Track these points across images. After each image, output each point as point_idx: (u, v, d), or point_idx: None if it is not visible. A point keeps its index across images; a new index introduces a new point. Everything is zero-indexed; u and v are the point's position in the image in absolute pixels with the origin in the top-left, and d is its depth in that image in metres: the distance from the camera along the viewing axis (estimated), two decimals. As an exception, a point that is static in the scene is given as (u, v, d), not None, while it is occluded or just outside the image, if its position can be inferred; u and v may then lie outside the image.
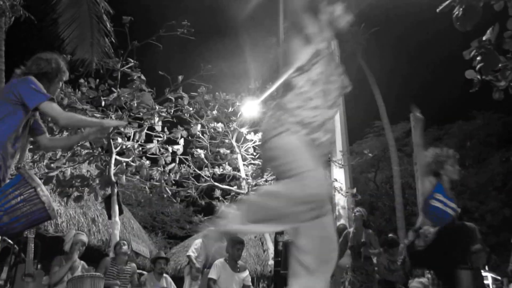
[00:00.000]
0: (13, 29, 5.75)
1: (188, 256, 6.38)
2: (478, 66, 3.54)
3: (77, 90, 6.22)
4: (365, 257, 5.07)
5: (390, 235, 6.82)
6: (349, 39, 15.11)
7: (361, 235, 5.05)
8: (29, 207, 2.15)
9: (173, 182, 7.32)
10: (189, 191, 7.63)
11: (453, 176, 3.35)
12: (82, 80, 6.03)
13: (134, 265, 5.08)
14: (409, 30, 15.47)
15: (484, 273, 8.30)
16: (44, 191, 2.19)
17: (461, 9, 3.43)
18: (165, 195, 6.98)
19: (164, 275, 5.31)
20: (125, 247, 4.92)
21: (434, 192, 3.26)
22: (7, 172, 2.28)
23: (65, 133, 6.63)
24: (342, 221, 9.67)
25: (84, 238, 4.63)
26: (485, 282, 8.06)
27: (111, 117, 6.08)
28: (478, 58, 3.50)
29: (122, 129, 6.33)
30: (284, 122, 1.79)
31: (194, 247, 6.36)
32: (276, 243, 5.64)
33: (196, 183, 7.65)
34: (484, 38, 3.49)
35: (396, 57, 17.29)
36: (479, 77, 3.69)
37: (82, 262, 4.67)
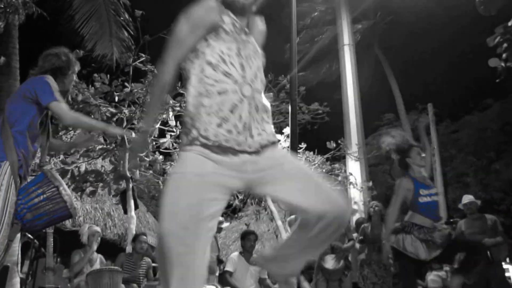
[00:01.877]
0: (27, 27, 5.79)
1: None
2: (504, 54, 3.41)
3: (90, 85, 6.25)
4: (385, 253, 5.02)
5: None
6: (364, 29, 14.83)
7: (380, 229, 5.01)
8: (51, 206, 2.17)
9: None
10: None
11: (421, 163, 3.39)
12: (96, 75, 6.05)
13: (149, 260, 5.12)
14: (426, 18, 15.05)
15: (505, 266, 8.15)
16: (66, 190, 2.22)
17: (485, -9, 3.30)
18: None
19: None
20: (144, 245, 4.95)
21: (417, 189, 3.29)
22: (28, 170, 2.31)
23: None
24: (357, 215, 9.57)
25: (98, 229, 4.86)
26: (507, 274, 7.91)
27: (124, 113, 6.10)
28: (505, 45, 3.37)
29: (135, 124, 6.35)
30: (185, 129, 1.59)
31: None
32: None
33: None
34: (509, 24, 3.37)
35: (413, 47, 16.89)
36: (503, 64, 3.57)
37: (100, 255, 4.74)
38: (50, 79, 2.35)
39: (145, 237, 5.10)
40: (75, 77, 2.58)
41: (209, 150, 1.52)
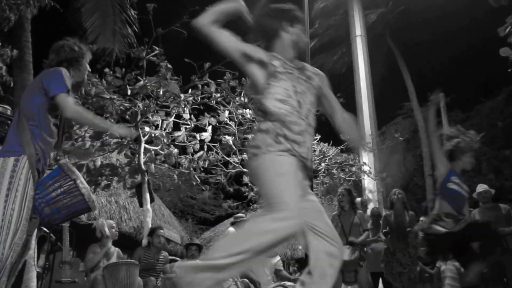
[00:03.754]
0: (38, 19, 5.79)
1: None
2: None
3: (102, 79, 6.23)
4: (408, 240, 4.95)
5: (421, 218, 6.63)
6: (376, 19, 14.61)
7: (403, 216, 4.92)
8: (69, 199, 2.14)
9: (202, 169, 7.30)
10: (218, 178, 7.61)
11: (466, 167, 3.41)
12: (107, 69, 6.02)
13: (166, 254, 5.11)
14: (438, 7, 14.77)
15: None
16: (84, 183, 2.18)
17: (496, -18, 3.20)
18: (194, 183, 6.97)
19: (197, 261, 5.32)
20: (162, 239, 4.94)
21: (449, 175, 3.30)
22: (46, 164, 2.28)
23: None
24: (371, 205, 9.49)
25: (113, 222, 4.92)
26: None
27: (138, 106, 6.06)
28: None
29: (150, 118, 6.32)
30: (259, 142, 1.85)
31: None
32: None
33: (224, 169, 7.61)
34: None
35: (425, 37, 16.59)
36: None
37: (117, 249, 4.74)
38: (64, 71, 2.32)
39: (162, 231, 5.07)
40: (88, 66, 2.55)
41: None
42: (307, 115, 1.94)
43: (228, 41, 1.97)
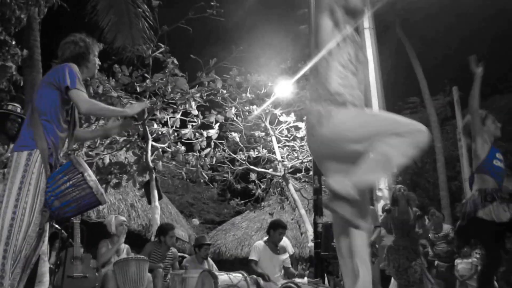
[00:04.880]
0: (47, 20, 5.83)
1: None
2: None
3: (111, 78, 6.27)
4: (413, 237, 4.90)
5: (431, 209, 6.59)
6: (386, 9, 14.34)
7: (407, 213, 4.87)
8: (78, 192, 2.15)
9: (209, 166, 7.32)
10: (225, 175, 7.62)
11: (496, 132, 3.40)
12: (116, 66, 6.06)
13: (175, 250, 5.13)
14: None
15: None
16: (91, 176, 2.19)
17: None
18: (201, 180, 7.00)
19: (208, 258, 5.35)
20: (174, 239, 4.96)
21: (494, 152, 3.31)
22: (58, 158, 2.31)
23: (101, 122, 6.75)
24: (382, 202, 9.43)
25: (124, 218, 4.87)
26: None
27: (145, 103, 6.10)
28: None
29: (157, 114, 6.35)
30: (330, 99, 1.89)
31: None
32: (315, 225, 5.56)
33: (232, 167, 7.63)
34: None
35: (436, 27, 16.22)
36: None
37: (126, 246, 4.77)
38: (73, 66, 2.34)
39: (174, 231, 5.12)
40: (97, 60, 2.55)
41: None
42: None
43: None
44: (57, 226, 4.04)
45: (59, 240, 4.04)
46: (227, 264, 12.14)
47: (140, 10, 6.80)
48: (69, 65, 2.33)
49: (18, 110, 3.75)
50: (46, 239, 2.71)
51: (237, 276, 3.66)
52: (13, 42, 4.65)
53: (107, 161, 6.52)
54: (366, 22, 11.70)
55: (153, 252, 4.79)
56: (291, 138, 8.06)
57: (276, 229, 4.98)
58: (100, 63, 2.58)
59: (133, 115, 2.67)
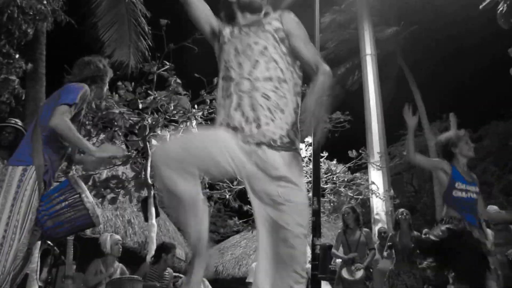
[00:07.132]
0: (53, 34, 5.90)
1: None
2: None
3: (114, 93, 6.28)
4: (413, 261, 4.85)
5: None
6: (388, 38, 14.67)
7: (408, 238, 4.83)
8: (73, 213, 2.11)
9: (207, 185, 7.25)
10: (223, 193, 7.55)
11: (468, 153, 3.21)
12: (120, 83, 6.08)
13: (171, 270, 5.04)
14: (449, 28, 14.86)
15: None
16: (89, 197, 2.15)
17: (505, 4, 3.20)
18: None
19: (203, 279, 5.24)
20: (174, 258, 4.87)
21: (454, 180, 3.08)
22: (54, 176, 2.27)
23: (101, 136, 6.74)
24: (380, 225, 9.33)
25: (119, 237, 4.85)
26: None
27: (147, 120, 6.09)
28: None
29: (158, 132, 6.33)
30: None
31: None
32: (313, 246, 5.48)
33: (231, 185, 7.56)
34: None
35: (436, 57, 16.68)
36: None
37: (120, 265, 4.68)
38: (85, 87, 2.32)
39: (176, 250, 5.04)
40: (107, 83, 2.61)
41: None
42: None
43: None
44: (49, 242, 3.96)
45: (51, 257, 3.95)
46: (225, 283, 11.93)
47: (140, 29, 6.92)
48: (82, 86, 2.32)
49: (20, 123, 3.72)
50: (36, 257, 2.64)
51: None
52: (17, 56, 4.68)
53: (104, 175, 6.46)
54: (368, 49, 11.86)
55: (149, 272, 4.69)
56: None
57: None
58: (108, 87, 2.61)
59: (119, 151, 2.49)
